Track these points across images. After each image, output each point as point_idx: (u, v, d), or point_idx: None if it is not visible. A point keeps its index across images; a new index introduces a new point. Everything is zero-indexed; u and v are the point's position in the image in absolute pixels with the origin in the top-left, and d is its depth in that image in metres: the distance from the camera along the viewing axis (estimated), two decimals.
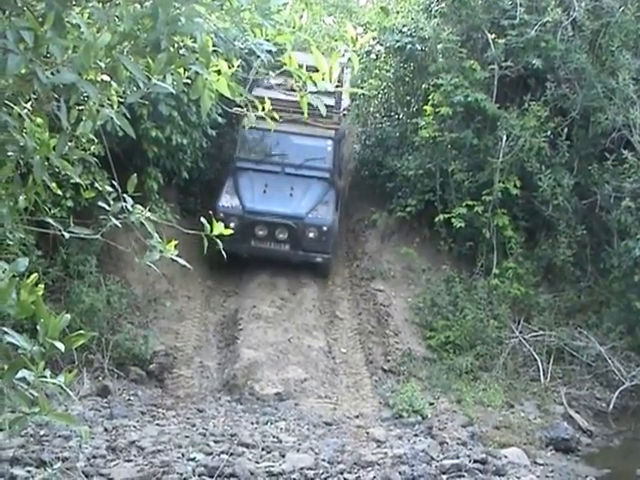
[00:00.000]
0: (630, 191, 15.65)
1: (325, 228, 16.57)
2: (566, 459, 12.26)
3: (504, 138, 16.35)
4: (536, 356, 14.99)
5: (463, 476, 10.38)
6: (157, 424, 11.71)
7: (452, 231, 16.70)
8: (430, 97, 17.10)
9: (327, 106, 18.37)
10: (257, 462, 10.40)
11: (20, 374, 3.48)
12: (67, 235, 4.04)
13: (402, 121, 18.78)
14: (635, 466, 11.99)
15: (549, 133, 16.49)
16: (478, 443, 11.98)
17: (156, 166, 15.27)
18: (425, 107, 17.24)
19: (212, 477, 9.61)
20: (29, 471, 9.17)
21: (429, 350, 15.13)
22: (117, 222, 4.22)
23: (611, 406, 14.26)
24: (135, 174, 4.72)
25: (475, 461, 11.04)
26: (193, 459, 10.20)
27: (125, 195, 4.49)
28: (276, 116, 5.28)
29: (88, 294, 13.51)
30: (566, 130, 16.60)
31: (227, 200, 16.73)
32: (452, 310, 15.65)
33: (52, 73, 3.23)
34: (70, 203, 12.51)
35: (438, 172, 17.14)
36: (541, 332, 15.44)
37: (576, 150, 16.80)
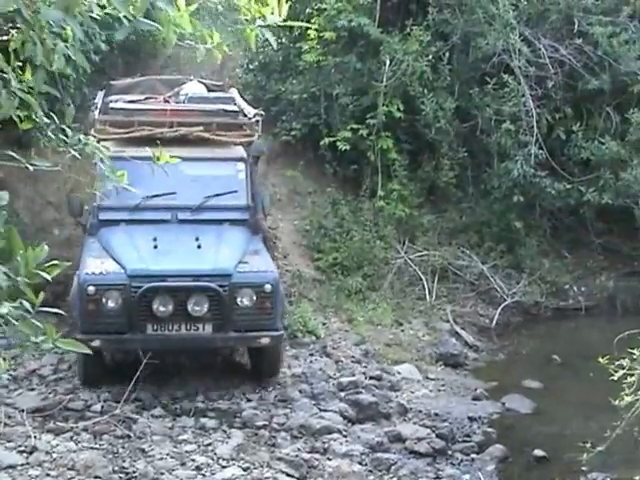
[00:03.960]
0: (510, 114, 16.10)
1: (269, 287, 10.50)
2: (455, 373, 12.77)
3: (387, 62, 16.46)
4: (421, 275, 15.43)
5: (361, 392, 10.81)
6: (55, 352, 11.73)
7: (337, 154, 16.80)
8: (313, 21, 17.06)
9: (230, 112, 15.02)
10: None
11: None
12: (31, 168, 4.05)
13: (285, 45, 18.68)
14: (518, 378, 12.58)
15: (431, 57, 16.65)
16: (372, 360, 12.39)
17: None
18: (308, 31, 17.21)
19: None
20: None
21: (318, 272, 15.35)
22: (76, 153, 4.25)
23: (494, 322, 14.89)
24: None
25: (371, 377, 11.57)
26: None
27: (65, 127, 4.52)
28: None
29: None
30: (447, 55, 16.86)
31: (96, 265, 10.39)
32: (339, 232, 15.84)
33: (34, 11, 3.25)
34: None
35: (322, 96, 17.14)
36: (425, 252, 15.85)
37: (457, 74, 17.08)
